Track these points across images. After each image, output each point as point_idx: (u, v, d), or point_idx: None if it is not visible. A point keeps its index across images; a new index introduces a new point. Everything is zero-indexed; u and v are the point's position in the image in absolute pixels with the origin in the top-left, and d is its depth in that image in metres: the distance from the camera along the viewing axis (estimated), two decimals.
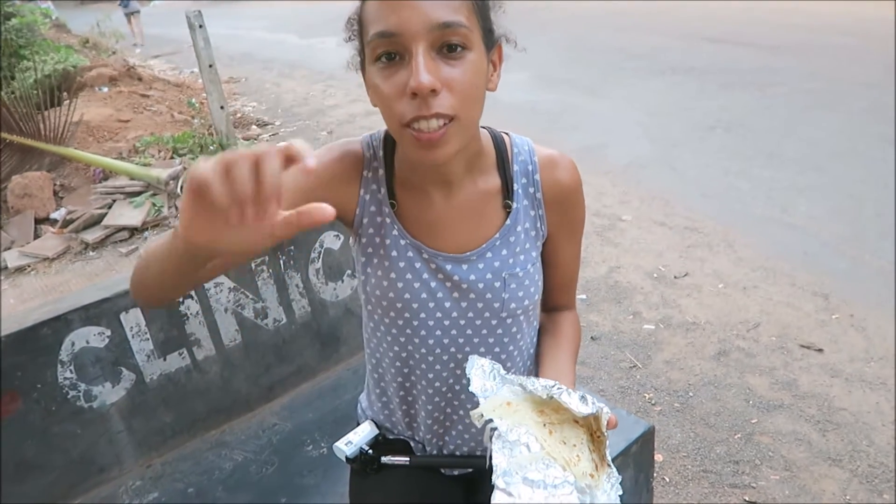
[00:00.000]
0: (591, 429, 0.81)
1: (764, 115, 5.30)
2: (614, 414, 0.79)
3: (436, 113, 0.77)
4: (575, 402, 0.79)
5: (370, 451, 1.09)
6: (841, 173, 4.13)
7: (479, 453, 1.09)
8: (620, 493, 0.76)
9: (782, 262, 3.27)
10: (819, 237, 3.45)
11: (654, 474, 1.88)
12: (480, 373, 0.83)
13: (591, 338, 2.80)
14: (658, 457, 2.15)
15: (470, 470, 1.11)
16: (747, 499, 1.98)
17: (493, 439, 0.75)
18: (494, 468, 0.72)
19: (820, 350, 2.61)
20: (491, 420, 0.77)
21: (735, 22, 8.68)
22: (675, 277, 3.23)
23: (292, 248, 1.73)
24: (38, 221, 4.73)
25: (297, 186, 0.84)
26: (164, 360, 1.58)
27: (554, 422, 0.81)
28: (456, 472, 1.12)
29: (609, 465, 0.78)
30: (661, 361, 2.64)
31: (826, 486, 2.00)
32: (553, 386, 0.80)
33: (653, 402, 2.42)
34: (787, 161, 4.41)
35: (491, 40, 0.85)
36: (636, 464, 1.49)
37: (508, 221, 0.96)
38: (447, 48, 0.78)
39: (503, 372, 0.84)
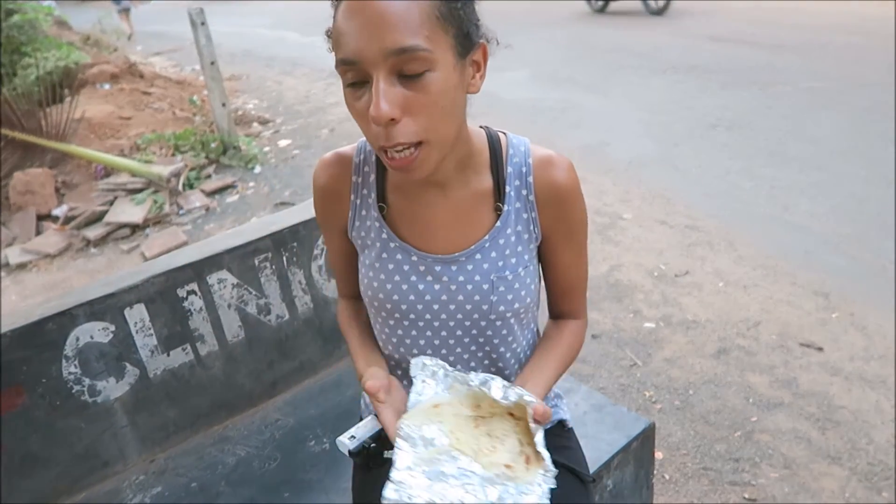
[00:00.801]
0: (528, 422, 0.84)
1: (766, 114, 5.30)
2: (548, 406, 0.84)
3: (398, 143, 0.78)
4: (498, 393, 0.84)
5: (373, 446, 1.09)
6: (842, 172, 4.13)
7: None
8: (552, 486, 0.77)
9: (783, 261, 3.27)
10: (820, 236, 3.45)
11: (654, 471, 1.89)
12: (421, 372, 0.89)
13: (592, 336, 2.81)
14: (658, 454, 2.15)
15: None
16: (747, 496, 1.99)
17: (397, 439, 0.81)
18: (394, 464, 0.78)
19: (820, 349, 2.62)
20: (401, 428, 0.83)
21: (737, 20, 8.67)
22: (676, 276, 3.24)
23: (295, 244, 1.73)
24: (39, 218, 4.74)
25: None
26: (168, 355, 1.59)
27: (485, 415, 0.85)
28: None
29: (543, 459, 0.79)
30: (661, 359, 2.65)
31: (825, 483, 2.01)
32: (490, 380, 0.86)
33: (653, 399, 2.43)
34: (789, 160, 4.41)
35: (468, 44, 0.81)
36: (636, 461, 1.50)
37: (498, 224, 0.96)
38: (406, 73, 0.76)
39: (449, 368, 0.90)
